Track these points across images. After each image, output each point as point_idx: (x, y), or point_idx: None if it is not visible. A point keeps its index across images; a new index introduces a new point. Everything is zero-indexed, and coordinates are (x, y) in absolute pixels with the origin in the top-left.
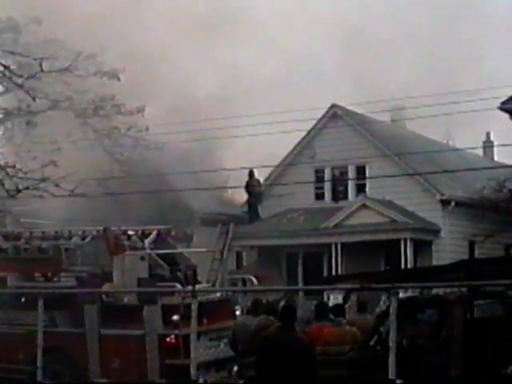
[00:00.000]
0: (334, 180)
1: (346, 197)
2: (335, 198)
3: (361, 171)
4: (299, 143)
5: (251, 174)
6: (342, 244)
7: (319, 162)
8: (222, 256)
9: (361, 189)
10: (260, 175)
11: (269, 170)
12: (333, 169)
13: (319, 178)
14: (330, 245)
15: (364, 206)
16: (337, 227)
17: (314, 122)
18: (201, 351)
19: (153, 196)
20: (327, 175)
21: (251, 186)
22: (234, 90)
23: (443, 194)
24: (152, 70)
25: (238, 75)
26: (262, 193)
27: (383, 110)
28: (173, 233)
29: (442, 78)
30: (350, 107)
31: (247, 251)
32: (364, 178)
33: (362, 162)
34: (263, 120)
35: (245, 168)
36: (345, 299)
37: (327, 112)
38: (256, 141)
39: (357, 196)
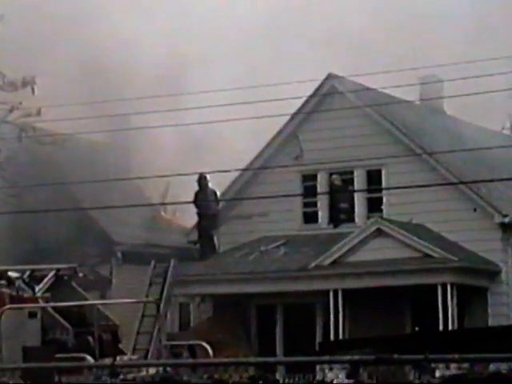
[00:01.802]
0: (331, 192)
1: (350, 218)
2: (334, 219)
3: (374, 178)
4: (278, 135)
5: (202, 181)
6: (345, 292)
7: (309, 165)
8: (157, 310)
9: (374, 206)
10: (217, 185)
11: (231, 176)
12: (330, 175)
13: (309, 190)
14: (325, 293)
15: (379, 232)
16: (336, 266)
17: (300, 103)
18: None
19: (50, 217)
20: (321, 185)
21: (202, 201)
22: (182, 53)
23: (505, 216)
24: (50, 21)
25: (192, 32)
26: (220, 212)
27: (408, 83)
28: (80, 274)
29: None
30: (355, 79)
31: (197, 303)
32: (379, 190)
33: (376, 165)
34: (224, 100)
35: (192, 174)
36: (351, 377)
37: (321, 86)
38: (212, 131)
39: (368, 217)
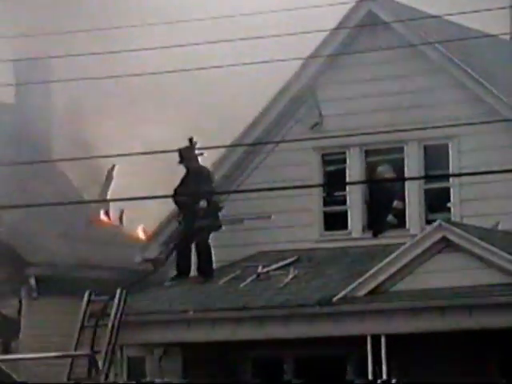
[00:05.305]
0: (369, 181)
1: (399, 223)
2: (373, 225)
3: (437, 159)
4: (284, 92)
5: (186, 153)
6: (391, 338)
7: (333, 138)
8: (94, 368)
9: (437, 202)
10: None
11: (210, 156)
12: (366, 153)
13: (333, 177)
14: (360, 340)
15: (445, 243)
16: (377, 298)
17: (317, 41)
18: None
19: None
20: (356, 169)
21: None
22: None
23: None
24: None
25: None
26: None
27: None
28: None
29: None
30: (407, 1)
31: (157, 357)
32: (446, 177)
33: (441, 137)
34: (198, 36)
35: (143, 154)
36: None
37: (351, 13)
38: (172, 85)
39: (427, 221)
